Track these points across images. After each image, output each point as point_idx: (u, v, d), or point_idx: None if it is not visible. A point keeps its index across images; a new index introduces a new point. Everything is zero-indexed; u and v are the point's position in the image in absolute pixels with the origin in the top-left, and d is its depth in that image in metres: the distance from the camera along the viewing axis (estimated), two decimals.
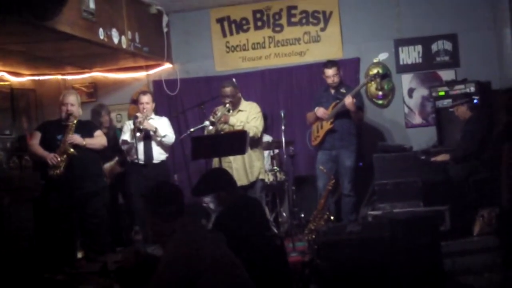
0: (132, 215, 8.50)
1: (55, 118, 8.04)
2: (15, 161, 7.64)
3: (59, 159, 7.51)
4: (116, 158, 8.92)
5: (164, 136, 8.41)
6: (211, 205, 5.49)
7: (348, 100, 8.39)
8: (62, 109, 7.75)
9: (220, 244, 4.09)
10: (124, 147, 8.50)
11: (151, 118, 8.48)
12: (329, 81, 8.68)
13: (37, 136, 7.77)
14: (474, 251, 7.16)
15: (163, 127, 8.50)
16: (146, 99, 8.51)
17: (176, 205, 4.12)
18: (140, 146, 8.35)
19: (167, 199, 4.13)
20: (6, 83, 9.26)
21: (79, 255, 8.18)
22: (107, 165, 8.81)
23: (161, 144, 8.47)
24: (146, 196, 4.28)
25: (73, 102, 7.74)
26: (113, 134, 9.07)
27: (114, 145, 8.69)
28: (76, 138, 7.62)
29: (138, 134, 8.20)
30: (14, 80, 9.44)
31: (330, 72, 8.66)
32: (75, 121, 7.65)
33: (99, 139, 7.94)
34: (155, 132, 8.35)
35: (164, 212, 4.08)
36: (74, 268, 7.47)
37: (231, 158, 8.23)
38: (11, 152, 8.79)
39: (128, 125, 8.45)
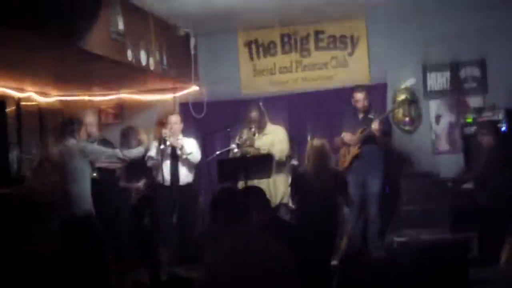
0: (158, 236, 8.48)
1: None
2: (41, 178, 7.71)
3: None
4: (144, 180, 8.94)
5: (190, 154, 8.42)
6: None
7: (375, 126, 8.36)
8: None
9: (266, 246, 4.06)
10: (149, 163, 8.52)
11: (179, 139, 8.51)
12: (359, 105, 8.63)
13: None
14: (502, 279, 7.07)
15: (190, 146, 8.53)
16: (175, 119, 8.59)
17: (228, 210, 4.15)
18: (167, 168, 8.41)
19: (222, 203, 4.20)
20: (34, 103, 9.32)
21: None
22: (134, 185, 8.89)
23: (187, 163, 8.49)
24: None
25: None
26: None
27: (142, 165, 8.70)
28: None
29: (162, 146, 8.24)
30: (42, 100, 9.50)
31: (360, 96, 8.61)
32: None
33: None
34: (181, 149, 8.38)
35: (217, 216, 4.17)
36: None
37: (255, 180, 8.19)
38: (37, 172, 8.85)
39: (154, 144, 8.48)
